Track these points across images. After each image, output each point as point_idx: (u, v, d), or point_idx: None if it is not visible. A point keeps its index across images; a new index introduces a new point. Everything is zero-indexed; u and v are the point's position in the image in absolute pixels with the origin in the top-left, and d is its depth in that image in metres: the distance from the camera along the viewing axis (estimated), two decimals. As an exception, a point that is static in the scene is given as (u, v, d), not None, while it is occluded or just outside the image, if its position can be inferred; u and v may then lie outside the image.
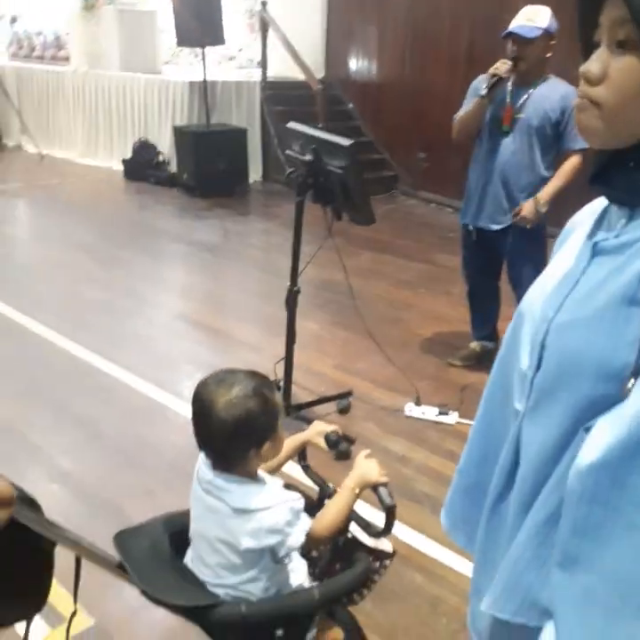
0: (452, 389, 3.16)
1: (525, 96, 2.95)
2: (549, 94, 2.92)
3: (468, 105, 3.04)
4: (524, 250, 2.99)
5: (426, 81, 6.79)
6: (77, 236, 5.58)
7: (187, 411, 2.93)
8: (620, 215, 0.81)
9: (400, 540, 2.17)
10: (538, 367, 0.83)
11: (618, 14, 0.72)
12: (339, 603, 1.40)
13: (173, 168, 7.23)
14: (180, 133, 6.97)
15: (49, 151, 8.70)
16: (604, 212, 0.85)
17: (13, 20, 10.02)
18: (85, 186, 7.37)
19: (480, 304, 3.40)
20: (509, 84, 2.96)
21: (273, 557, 1.26)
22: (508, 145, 2.98)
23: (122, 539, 1.29)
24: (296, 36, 7.23)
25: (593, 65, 0.76)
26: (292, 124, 2.61)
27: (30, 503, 1.03)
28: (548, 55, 2.91)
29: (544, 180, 2.96)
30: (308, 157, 2.43)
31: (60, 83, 8.61)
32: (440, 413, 2.95)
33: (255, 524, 1.22)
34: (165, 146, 7.42)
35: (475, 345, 3.46)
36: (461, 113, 3.07)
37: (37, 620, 1.57)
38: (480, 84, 2.97)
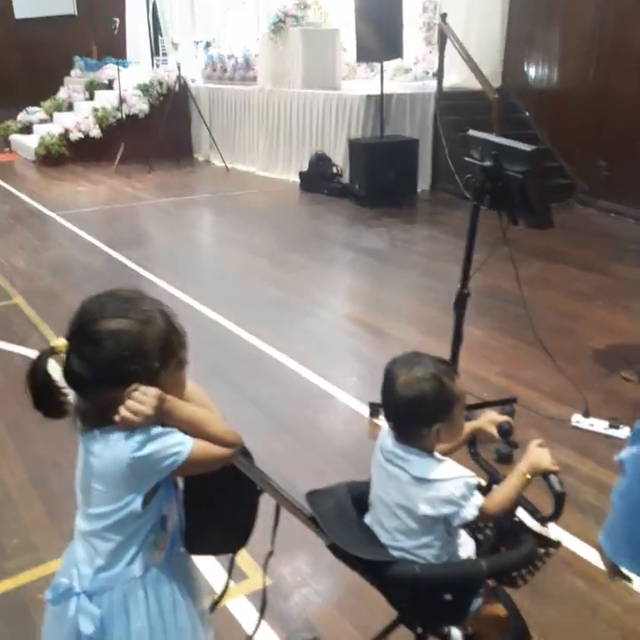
0: (624, 404, 3.05)
1: None
2: None
3: None
4: None
5: (611, 87, 6.50)
6: (257, 242, 6.04)
7: (352, 402, 3.16)
8: None
9: (563, 547, 2.16)
10: None
11: None
12: (503, 579, 1.47)
13: (346, 179, 7.54)
14: (354, 145, 7.26)
15: (234, 165, 9.43)
16: None
17: (208, 45, 10.98)
18: (265, 196, 7.92)
19: None
20: None
21: (446, 527, 1.37)
22: None
23: (312, 497, 1.46)
24: (474, 45, 7.26)
25: None
26: (472, 132, 2.70)
27: (246, 454, 1.24)
28: None
29: None
30: (487, 163, 2.50)
31: (247, 101, 9.30)
32: (610, 426, 2.86)
33: (433, 492, 1.34)
34: (340, 158, 7.76)
35: None
36: None
37: (221, 573, 1.79)
38: None
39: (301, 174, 8.07)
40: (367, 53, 7.11)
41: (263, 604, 1.52)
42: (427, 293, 4.71)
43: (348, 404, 3.21)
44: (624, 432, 2.82)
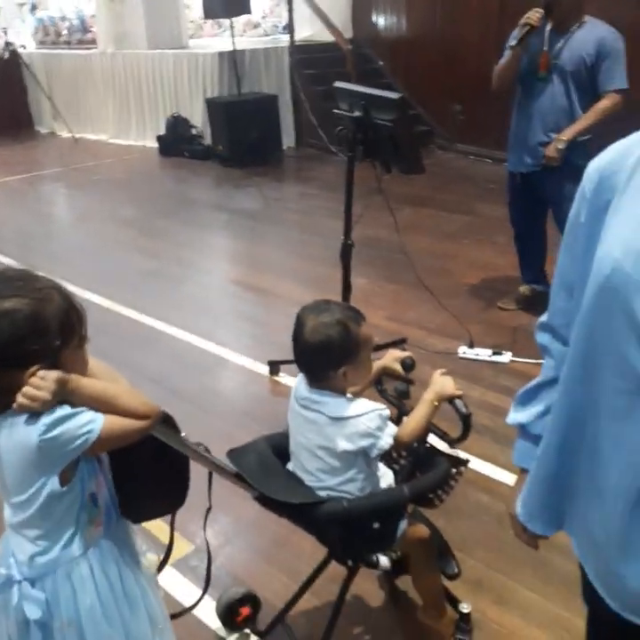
0: (504, 332, 3.29)
1: (561, 42, 3.00)
2: (585, 38, 2.96)
3: (505, 55, 3.11)
4: (563, 190, 3.08)
5: (458, 34, 6.76)
6: (120, 213, 5.79)
7: (248, 363, 3.17)
8: None
9: (467, 467, 2.33)
10: None
11: None
12: (422, 502, 1.57)
13: (208, 140, 7.36)
14: (211, 105, 7.08)
15: (82, 134, 8.91)
16: None
17: (33, 7, 10.14)
18: (122, 165, 7.57)
19: (527, 247, 3.50)
20: (546, 31, 3.01)
21: (365, 460, 1.44)
22: (547, 91, 3.06)
23: (233, 455, 1.48)
24: (321, -3, 7.25)
25: None
26: (339, 83, 2.72)
27: (169, 422, 1.22)
28: None
29: None
30: (357, 114, 2.54)
31: (89, 66, 8.76)
32: (494, 354, 3.08)
33: (350, 428, 1.40)
34: (198, 119, 7.55)
35: (524, 288, 3.56)
36: (500, 63, 3.14)
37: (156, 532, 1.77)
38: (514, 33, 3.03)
39: (159, 138, 7.78)
40: (214, 10, 6.90)
41: (209, 563, 1.52)
42: (306, 249, 4.76)
43: (245, 366, 3.22)
44: (507, 357, 3.05)
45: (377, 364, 1.65)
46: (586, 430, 0.88)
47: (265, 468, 1.47)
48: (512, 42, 2.97)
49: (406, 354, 1.64)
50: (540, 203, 3.30)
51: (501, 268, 4.01)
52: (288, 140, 7.62)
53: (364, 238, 4.37)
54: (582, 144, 3.04)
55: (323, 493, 1.44)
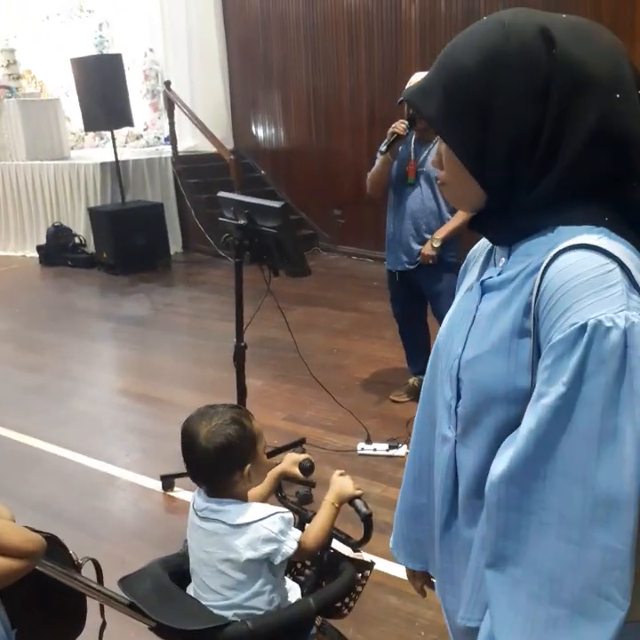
0: (398, 424, 3.34)
1: (426, 152, 3.28)
2: None
3: (376, 162, 3.36)
4: (438, 285, 3.29)
5: (333, 145, 7.23)
6: None
7: (141, 481, 3.01)
8: (501, 253, 0.91)
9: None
10: (458, 397, 0.93)
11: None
12: (330, 612, 1.50)
13: (91, 249, 7.27)
14: (94, 214, 7.05)
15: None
16: (491, 251, 0.96)
17: None
18: None
19: (412, 340, 3.65)
20: (413, 141, 3.29)
21: (270, 568, 1.37)
22: (415, 195, 3.31)
23: (126, 583, 1.36)
24: (202, 109, 7.58)
25: (435, 156, 0.92)
26: (222, 194, 2.80)
27: (55, 547, 1.12)
28: None
29: None
30: (241, 222, 2.61)
31: (-34, 177, 8.52)
32: (390, 447, 3.11)
33: (252, 534, 1.34)
34: (81, 228, 7.47)
35: (413, 380, 3.67)
36: (373, 170, 3.38)
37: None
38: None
39: (39, 248, 7.58)
40: (95, 122, 7.00)
41: None
42: (197, 353, 4.70)
43: (136, 483, 3.05)
44: (403, 450, 3.09)
45: (275, 471, 1.61)
46: (430, 469, 1.06)
47: (161, 595, 1.36)
48: (382, 148, 3.21)
49: (304, 456, 1.62)
50: (419, 298, 3.49)
51: (391, 361, 4.13)
52: (176, 245, 7.67)
53: (257, 339, 4.40)
54: (453, 242, 3.28)
55: (229, 613, 1.35)
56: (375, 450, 3.12)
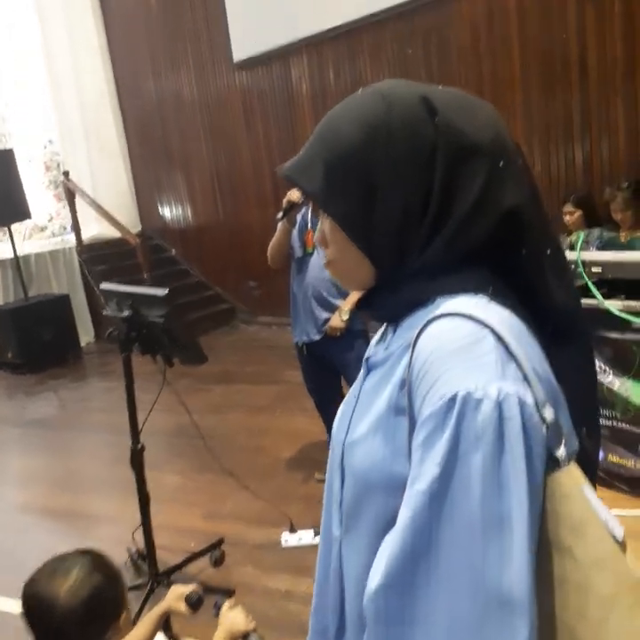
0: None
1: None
2: None
3: (276, 232, 3.26)
4: (348, 354, 3.15)
5: (241, 218, 7.19)
6: None
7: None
8: (388, 331, 0.86)
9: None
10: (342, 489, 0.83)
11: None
12: None
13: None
14: (-3, 313, 6.69)
15: None
16: (386, 329, 0.90)
17: None
18: None
19: (328, 413, 3.47)
20: (309, 210, 3.20)
21: None
22: (315, 264, 3.20)
23: None
24: (105, 196, 7.44)
25: (318, 233, 0.86)
26: (104, 285, 2.62)
27: None
28: None
29: None
30: (126, 313, 2.43)
31: None
32: (316, 534, 2.88)
33: None
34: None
35: None
36: (273, 240, 3.27)
37: None
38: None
39: None
40: (-9, 218, 6.73)
41: None
42: (114, 451, 4.35)
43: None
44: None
45: (159, 609, 1.39)
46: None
47: None
48: (278, 216, 3.11)
49: (191, 588, 1.40)
50: (330, 369, 3.34)
51: (315, 434, 3.93)
52: (87, 336, 7.35)
53: (175, 427, 4.13)
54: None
55: None
56: (300, 539, 2.88)
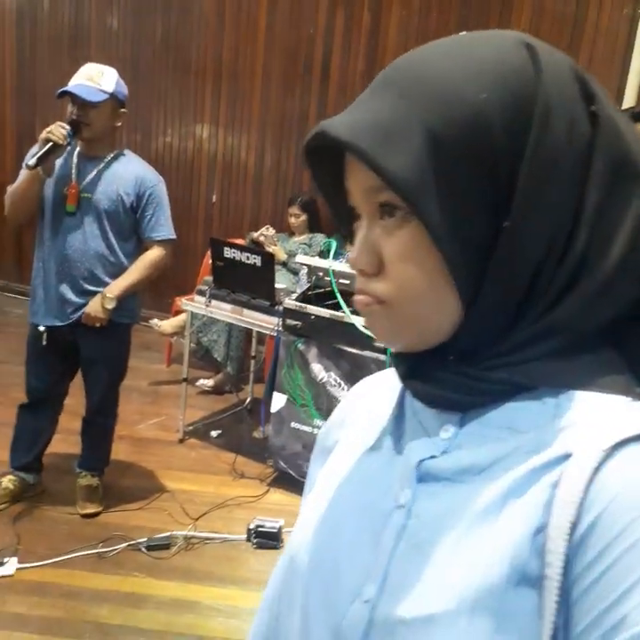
0: (1, 530, 2.43)
1: (94, 172, 2.47)
2: (124, 174, 2.49)
3: (20, 176, 2.42)
4: (102, 349, 2.52)
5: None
6: None
7: None
8: (441, 419, 0.53)
9: None
10: None
11: (369, 184, 0.49)
12: None
13: None
14: None
15: None
16: (401, 404, 0.58)
17: None
18: None
19: (35, 420, 2.67)
20: (75, 156, 2.46)
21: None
22: (77, 229, 2.46)
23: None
24: None
25: (362, 255, 0.50)
26: None
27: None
28: (118, 125, 2.49)
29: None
30: None
31: None
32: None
33: None
34: None
35: (8, 480, 2.64)
36: (14, 185, 2.43)
37: None
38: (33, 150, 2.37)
39: None
40: None
41: None
42: None
43: None
44: (11, 567, 2.25)
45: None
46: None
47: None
48: (30, 161, 2.28)
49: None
50: (68, 368, 2.63)
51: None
52: None
53: None
54: (129, 300, 2.53)
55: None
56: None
